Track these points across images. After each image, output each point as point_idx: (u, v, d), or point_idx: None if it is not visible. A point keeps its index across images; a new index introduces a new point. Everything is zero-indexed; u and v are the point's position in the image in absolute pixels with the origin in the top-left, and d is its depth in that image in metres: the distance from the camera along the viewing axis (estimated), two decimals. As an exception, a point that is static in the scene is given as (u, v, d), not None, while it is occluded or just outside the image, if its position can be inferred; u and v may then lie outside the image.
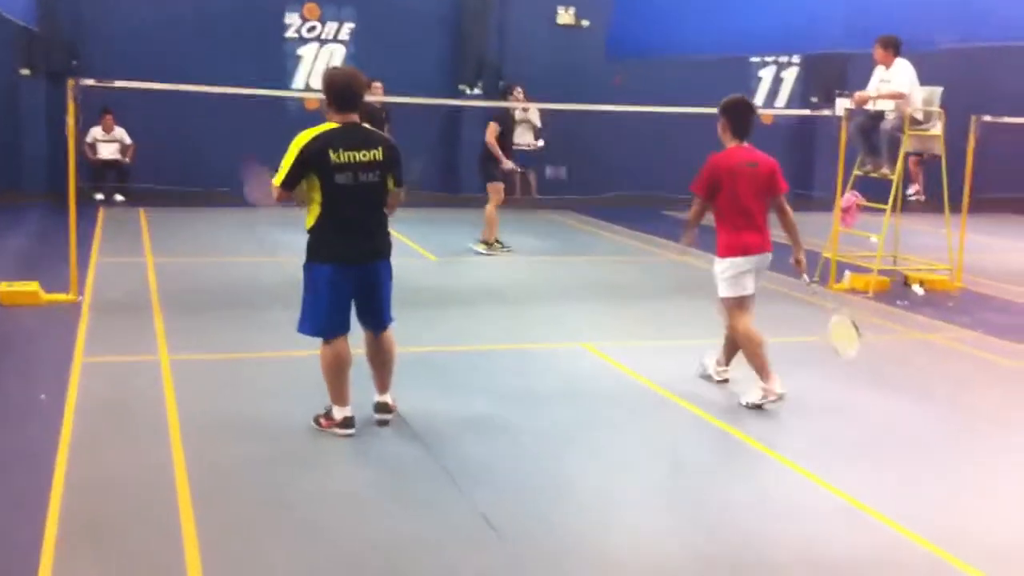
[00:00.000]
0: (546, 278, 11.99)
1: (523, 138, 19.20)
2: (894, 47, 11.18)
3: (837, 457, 6.19)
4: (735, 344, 7.32)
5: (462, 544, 4.82)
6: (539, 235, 15.54)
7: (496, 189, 13.30)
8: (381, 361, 6.35)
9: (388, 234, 6.28)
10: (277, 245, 13.27)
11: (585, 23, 19.74)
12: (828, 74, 20.46)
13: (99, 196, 16.72)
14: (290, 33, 18.68)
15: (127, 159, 17.18)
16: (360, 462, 5.84)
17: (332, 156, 5.88)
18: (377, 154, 6.00)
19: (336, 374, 6.14)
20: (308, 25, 18.73)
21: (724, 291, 7.18)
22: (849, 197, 11.69)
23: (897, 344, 9.26)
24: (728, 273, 7.12)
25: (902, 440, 6.58)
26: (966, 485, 5.89)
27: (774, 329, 9.55)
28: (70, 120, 9.31)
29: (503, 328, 9.22)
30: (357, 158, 5.92)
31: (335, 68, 6.51)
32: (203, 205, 16.66)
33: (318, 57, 18.83)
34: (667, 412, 6.99)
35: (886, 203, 11.45)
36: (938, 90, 11.72)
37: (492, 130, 13.20)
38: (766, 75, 21.18)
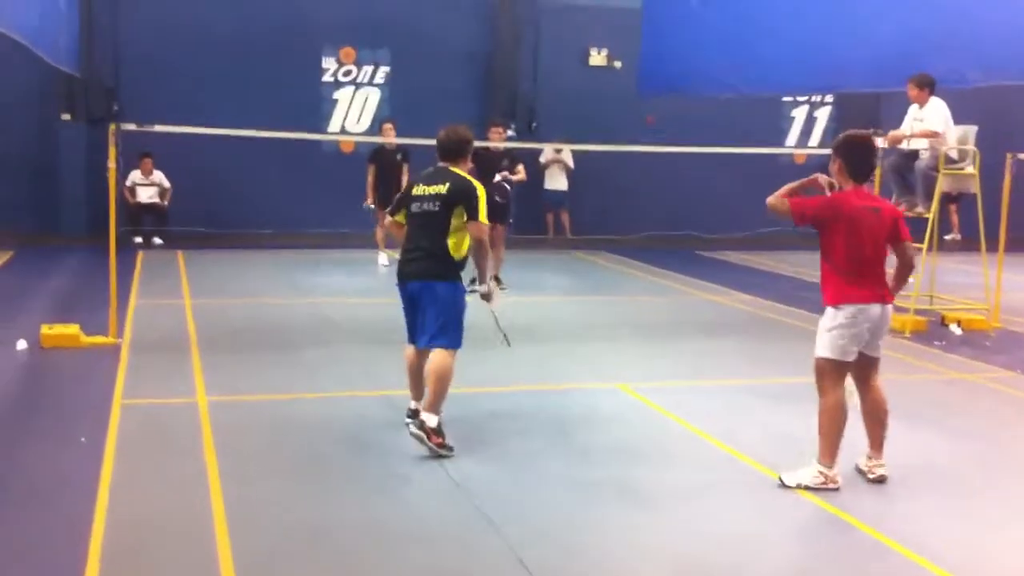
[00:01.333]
0: (580, 318, 12.00)
1: (554, 180, 19.30)
2: (929, 86, 11.19)
3: (872, 497, 6.15)
4: (878, 418, 6.45)
5: (497, 584, 4.83)
6: (572, 274, 15.58)
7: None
8: (425, 374, 6.85)
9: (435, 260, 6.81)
10: (311, 287, 13.38)
11: (618, 64, 19.86)
12: (861, 113, 20.42)
13: (138, 240, 16.92)
14: (327, 77, 18.92)
15: (165, 203, 17.40)
16: (395, 498, 5.86)
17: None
18: (441, 189, 6.75)
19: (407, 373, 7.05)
20: (344, 69, 18.97)
21: (824, 350, 6.17)
22: (884, 236, 11.62)
23: (934, 384, 9.19)
24: (839, 324, 6.12)
25: (937, 478, 6.52)
26: (1002, 524, 5.83)
27: (808, 368, 9.54)
28: (111, 164, 9.46)
29: (536, 368, 9.23)
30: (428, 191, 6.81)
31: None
32: (240, 247, 16.84)
33: (353, 100, 19.06)
34: (702, 452, 6.97)
35: (922, 242, 11.40)
36: (973, 128, 11.70)
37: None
38: (799, 114, 21.21)
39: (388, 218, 7.10)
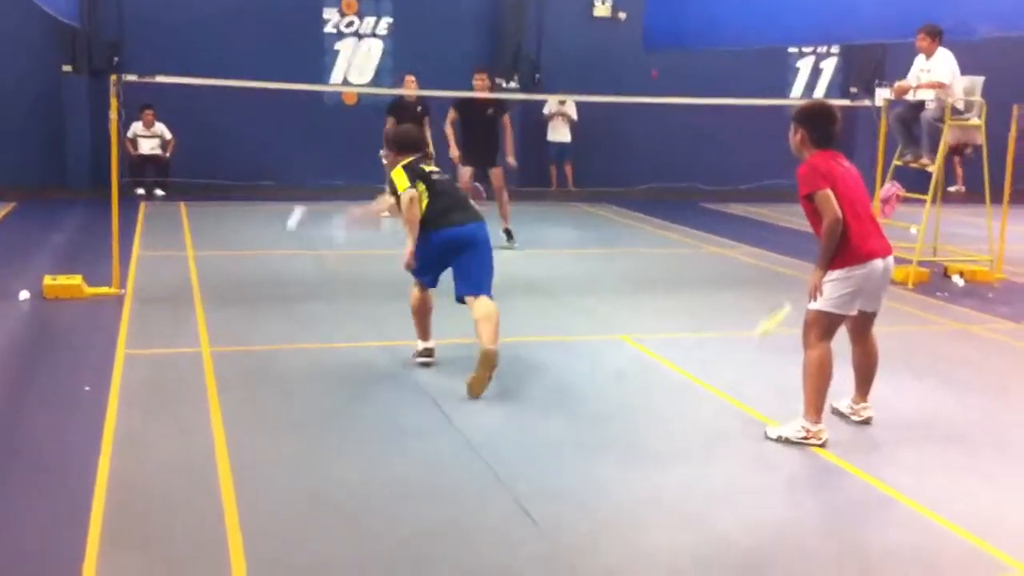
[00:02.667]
0: (584, 270, 11.99)
1: (558, 132, 19.19)
2: (937, 36, 11.09)
3: (876, 448, 6.17)
4: (869, 369, 6.47)
5: (502, 535, 4.85)
6: (576, 227, 15.54)
7: (460, 174, 12.82)
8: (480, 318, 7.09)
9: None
10: (314, 239, 13.34)
11: (622, 16, 19.70)
12: (867, 64, 20.32)
13: (140, 191, 16.90)
14: (328, 28, 18.79)
15: (167, 154, 17.36)
16: (400, 453, 5.88)
17: None
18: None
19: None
20: (346, 20, 18.83)
21: (824, 303, 6.07)
22: (889, 188, 11.60)
23: (937, 335, 9.19)
24: (839, 277, 6.07)
25: (942, 431, 6.54)
26: (1007, 476, 5.85)
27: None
28: (113, 116, 9.42)
29: (541, 320, 9.23)
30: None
31: None
32: (242, 199, 16.82)
33: (356, 52, 18.93)
34: (706, 404, 6.99)
35: (926, 194, 11.36)
36: (979, 80, 11.60)
37: (449, 117, 13.04)
38: (804, 66, 21.06)
39: (412, 191, 7.04)
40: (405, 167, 7.19)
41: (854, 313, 6.22)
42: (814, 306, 6.13)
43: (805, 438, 6.08)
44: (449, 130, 13.00)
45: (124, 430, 6.01)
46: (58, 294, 9.33)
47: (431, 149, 11.55)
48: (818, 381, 6.10)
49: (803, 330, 6.23)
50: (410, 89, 14.13)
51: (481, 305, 6.96)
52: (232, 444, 5.82)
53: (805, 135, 6.25)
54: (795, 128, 6.30)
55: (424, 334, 7.50)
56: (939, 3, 11.54)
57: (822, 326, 6.12)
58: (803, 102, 6.61)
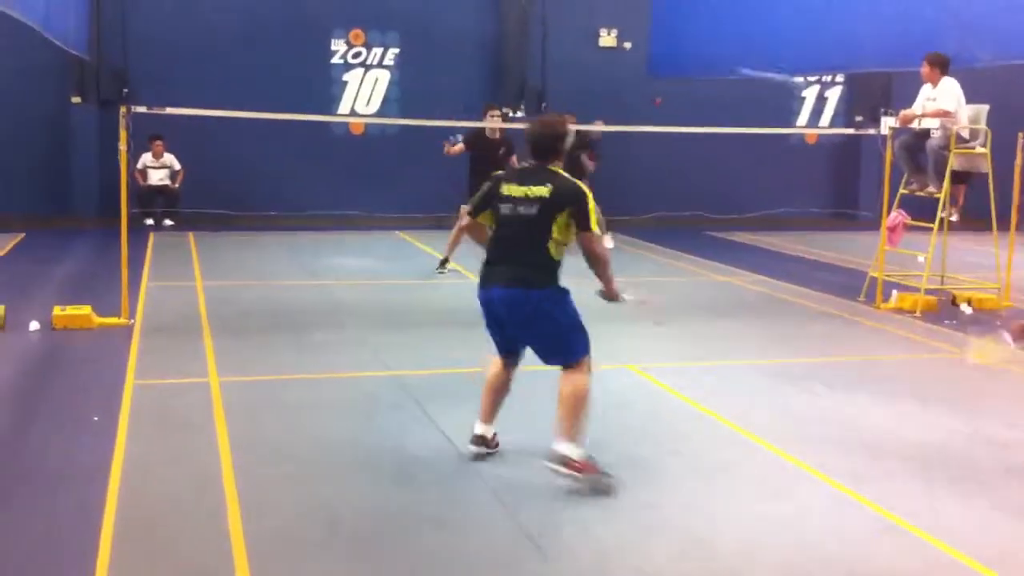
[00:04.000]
0: (589, 298, 11.97)
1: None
2: (941, 65, 11.14)
3: (883, 475, 6.16)
4: None
5: (507, 562, 4.85)
6: (580, 256, 15.54)
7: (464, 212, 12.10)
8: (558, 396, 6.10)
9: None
10: (321, 269, 13.41)
11: (627, 45, 19.81)
12: (872, 93, 20.38)
13: (149, 221, 16.98)
14: (336, 59, 18.91)
15: (176, 185, 17.45)
16: (406, 481, 5.88)
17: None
18: (542, 191, 5.88)
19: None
20: (353, 51, 18.95)
21: None
22: (895, 216, 11.63)
23: (945, 363, 9.18)
24: None
25: (950, 459, 6.52)
26: (1017, 504, 5.83)
27: (821, 348, 9.55)
28: (122, 147, 9.48)
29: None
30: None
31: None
32: (250, 229, 16.89)
33: (363, 82, 19.04)
34: (713, 432, 6.99)
35: (933, 222, 11.37)
36: (984, 108, 11.65)
37: (459, 148, 12.75)
38: (810, 94, 21.12)
39: (466, 218, 6.18)
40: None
41: None
42: None
43: None
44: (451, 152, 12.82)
45: (133, 457, 6.03)
46: (67, 324, 9.37)
47: None
48: None
49: None
50: (493, 123, 12.79)
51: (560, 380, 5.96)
52: (239, 470, 5.84)
53: None
54: None
55: (485, 413, 6.29)
56: (943, 31, 11.59)
57: None
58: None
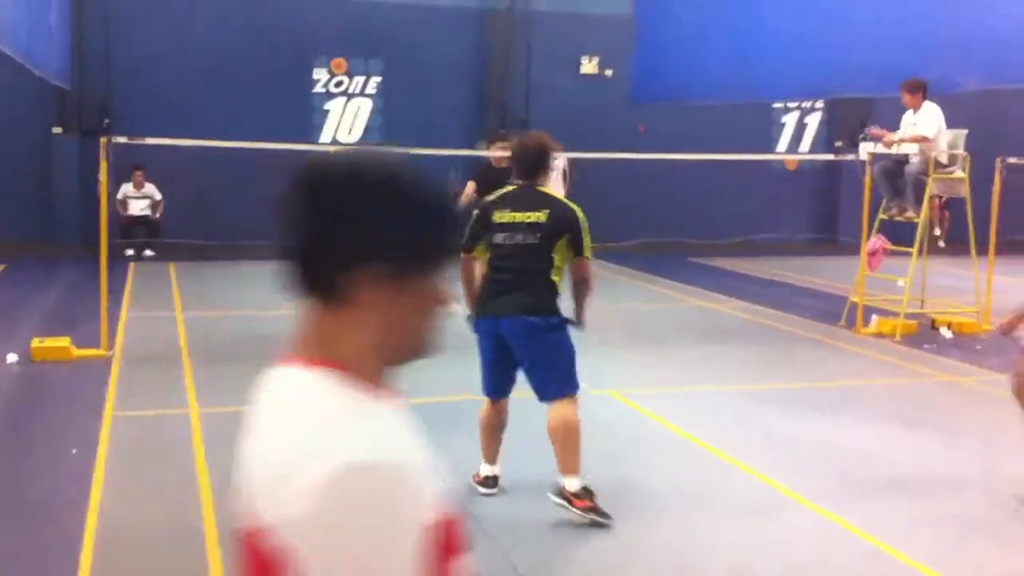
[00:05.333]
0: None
1: (555, 186, 19.24)
2: (921, 90, 11.22)
3: (865, 499, 6.16)
4: None
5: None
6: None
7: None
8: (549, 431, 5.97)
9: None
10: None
11: (609, 73, 19.90)
12: (852, 119, 20.48)
13: (129, 252, 16.91)
14: (318, 88, 18.94)
15: (157, 215, 17.41)
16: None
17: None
18: (539, 216, 5.81)
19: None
20: (336, 79, 18.98)
21: None
22: (875, 241, 11.68)
23: (926, 387, 9.21)
24: None
25: (932, 482, 6.53)
26: (998, 527, 5.83)
27: (802, 373, 9.56)
28: (102, 178, 9.46)
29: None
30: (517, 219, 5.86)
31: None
32: (231, 258, 16.83)
33: (345, 111, 19.08)
34: (697, 458, 6.98)
35: (912, 246, 11.43)
36: (962, 133, 11.74)
37: (469, 189, 11.17)
38: (790, 120, 21.25)
39: (462, 254, 5.90)
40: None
41: None
42: None
43: None
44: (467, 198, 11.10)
45: (111, 489, 6.00)
46: (46, 356, 9.31)
47: None
48: None
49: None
50: (499, 153, 11.55)
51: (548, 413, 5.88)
52: (218, 502, 5.79)
53: None
54: None
55: (488, 454, 6.25)
56: (922, 56, 11.67)
57: None
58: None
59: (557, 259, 5.85)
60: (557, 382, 5.86)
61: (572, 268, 5.92)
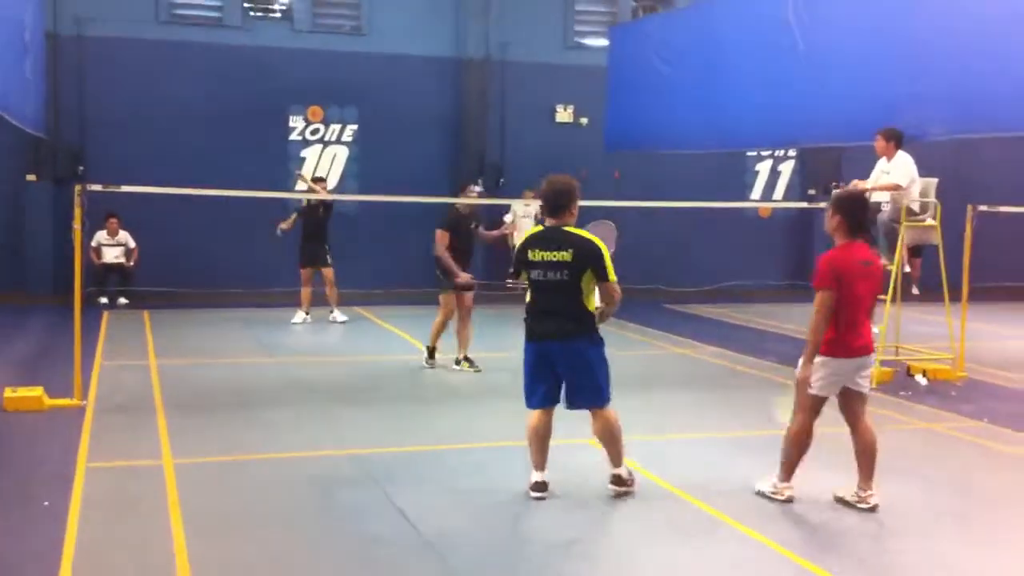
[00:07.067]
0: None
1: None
2: (895, 139, 11.34)
3: (838, 546, 6.15)
4: (866, 456, 6.86)
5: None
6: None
7: (446, 300, 11.57)
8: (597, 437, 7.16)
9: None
10: (276, 346, 13.33)
11: (584, 121, 20.04)
12: (824, 167, 20.70)
13: (103, 300, 16.82)
14: (294, 136, 18.98)
15: (131, 263, 17.34)
16: (367, 560, 5.81)
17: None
18: (565, 256, 6.69)
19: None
20: (312, 127, 19.04)
21: (816, 388, 6.72)
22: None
23: (902, 434, 9.22)
24: (824, 372, 6.68)
25: (907, 528, 6.54)
26: (975, 572, 5.84)
27: (779, 420, 9.56)
28: (76, 225, 9.41)
29: (508, 424, 9.18)
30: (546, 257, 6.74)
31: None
32: (206, 306, 16.78)
33: (321, 158, 19.11)
34: (671, 505, 6.96)
35: (885, 294, 11.49)
36: (933, 181, 11.87)
37: (440, 239, 11.32)
38: (763, 168, 21.44)
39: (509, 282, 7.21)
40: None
41: (833, 395, 6.83)
42: (810, 390, 6.76)
43: (773, 493, 6.92)
44: (448, 256, 11.30)
45: (84, 543, 5.92)
46: (19, 406, 9.21)
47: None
48: (798, 450, 6.88)
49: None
50: (471, 199, 11.88)
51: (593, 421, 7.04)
52: (193, 556, 5.73)
53: (842, 222, 6.70)
54: (832, 212, 6.75)
55: (538, 462, 7.05)
56: (893, 106, 11.82)
57: (811, 407, 6.81)
58: (842, 191, 7.41)
59: (585, 288, 6.74)
60: (594, 394, 6.89)
61: (600, 290, 6.81)
